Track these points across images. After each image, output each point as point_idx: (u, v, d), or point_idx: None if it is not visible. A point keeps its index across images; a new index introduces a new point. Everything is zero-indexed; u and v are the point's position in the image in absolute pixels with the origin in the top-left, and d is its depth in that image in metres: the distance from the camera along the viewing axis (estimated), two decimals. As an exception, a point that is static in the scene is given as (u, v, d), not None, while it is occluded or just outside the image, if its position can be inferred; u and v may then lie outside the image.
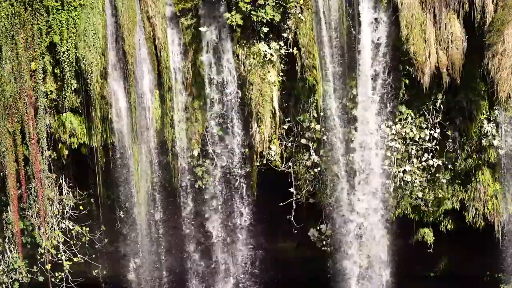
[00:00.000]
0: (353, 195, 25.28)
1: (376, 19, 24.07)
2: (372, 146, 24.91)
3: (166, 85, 24.48)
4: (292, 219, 25.69)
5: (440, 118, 24.98)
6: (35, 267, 25.89)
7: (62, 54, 24.18)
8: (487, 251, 26.06)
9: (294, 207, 25.64)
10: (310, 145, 25.18)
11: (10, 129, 24.67)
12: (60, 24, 24.05)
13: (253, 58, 24.01)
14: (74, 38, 24.07)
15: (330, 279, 25.93)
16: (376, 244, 25.62)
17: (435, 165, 25.26)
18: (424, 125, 25.04)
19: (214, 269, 26.16)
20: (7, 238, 25.83)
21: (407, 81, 24.56)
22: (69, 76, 24.32)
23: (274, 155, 25.16)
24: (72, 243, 25.95)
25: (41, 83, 24.46)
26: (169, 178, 25.39)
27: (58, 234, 25.72)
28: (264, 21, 23.69)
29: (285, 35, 24.11)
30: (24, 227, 25.68)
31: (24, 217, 25.57)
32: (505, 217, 25.55)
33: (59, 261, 25.85)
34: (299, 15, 23.95)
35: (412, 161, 25.26)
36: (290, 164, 25.50)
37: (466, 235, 26.13)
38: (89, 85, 24.19)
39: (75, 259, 25.96)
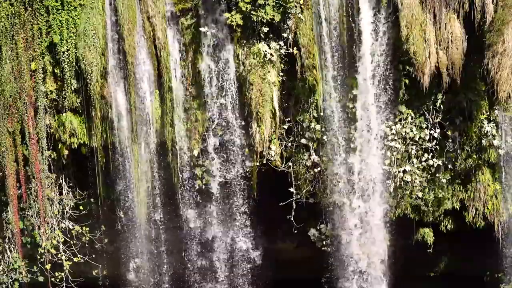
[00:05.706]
0: (353, 195, 25.26)
1: (376, 19, 24.06)
2: (372, 145, 24.91)
3: (166, 85, 24.48)
4: (292, 219, 25.69)
5: (440, 118, 24.97)
6: (35, 267, 25.90)
7: (62, 54, 24.18)
8: (487, 251, 26.06)
9: (294, 207, 25.64)
10: (310, 145, 25.18)
11: (10, 129, 24.67)
12: (60, 24, 24.05)
13: (253, 58, 24.00)
14: (74, 38, 24.07)
15: (330, 279, 25.92)
16: (376, 244, 25.61)
17: (435, 165, 25.26)
18: (424, 125, 25.03)
19: (214, 269, 26.13)
20: (7, 238, 25.83)
21: (407, 81, 24.55)
22: (69, 76, 24.32)
23: (274, 155, 25.14)
24: (72, 243, 25.95)
25: (41, 83, 24.46)
26: (169, 178, 25.38)
27: (58, 234, 25.72)
28: (264, 21, 23.69)
29: (285, 35, 24.10)
30: (24, 227, 25.68)
31: (24, 217, 25.57)
32: (505, 217, 25.56)
33: (59, 261, 25.85)
34: (299, 15, 23.94)
35: (412, 161, 25.25)
36: (290, 164, 25.48)
37: (466, 235, 26.14)
38: (89, 85, 24.19)
39: (75, 259, 25.96)
